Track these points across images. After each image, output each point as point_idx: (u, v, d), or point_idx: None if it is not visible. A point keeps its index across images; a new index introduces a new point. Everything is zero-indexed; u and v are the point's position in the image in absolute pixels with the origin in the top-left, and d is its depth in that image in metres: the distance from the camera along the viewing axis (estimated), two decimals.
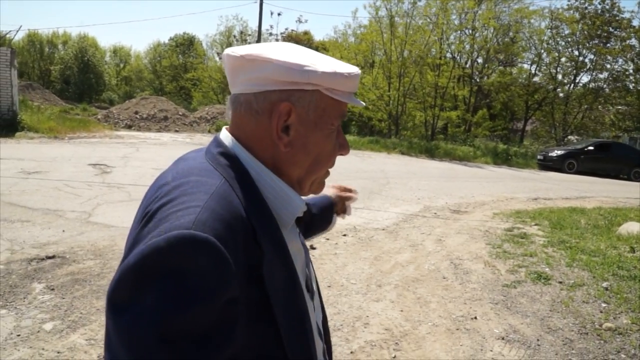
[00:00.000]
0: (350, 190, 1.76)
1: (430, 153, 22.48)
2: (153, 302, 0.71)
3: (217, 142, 0.96)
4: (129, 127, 22.54)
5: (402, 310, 4.52)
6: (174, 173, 0.90)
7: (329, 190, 1.70)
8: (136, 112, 23.87)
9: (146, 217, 0.81)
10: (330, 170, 1.05)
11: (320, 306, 1.16)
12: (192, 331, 0.72)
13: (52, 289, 4.32)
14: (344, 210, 1.75)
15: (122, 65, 62.50)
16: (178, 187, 0.84)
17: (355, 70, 0.95)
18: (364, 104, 1.05)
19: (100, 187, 8.53)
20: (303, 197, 0.99)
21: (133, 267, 0.73)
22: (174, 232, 0.73)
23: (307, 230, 1.48)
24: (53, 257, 5.07)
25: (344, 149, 1.02)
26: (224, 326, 0.75)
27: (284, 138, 0.92)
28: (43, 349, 3.35)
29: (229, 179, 0.87)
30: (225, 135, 0.96)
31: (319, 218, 1.58)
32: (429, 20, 28.28)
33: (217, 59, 44.45)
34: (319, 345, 1.03)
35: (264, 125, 0.92)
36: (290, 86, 0.89)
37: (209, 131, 23.47)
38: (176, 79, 49.44)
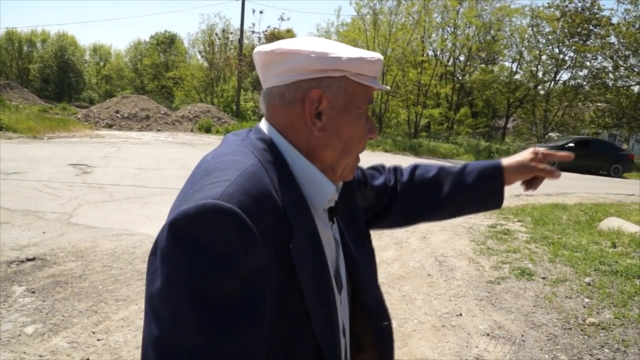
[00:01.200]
0: (553, 162, 1.50)
1: (414, 151, 22.57)
2: (180, 263, 0.77)
3: (257, 130, 1.02)
4: (109, 126, 22.33)
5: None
6: (214, 154, 0.97)
7: (524, 154, 1.45)
8: (117, 111, 23.65)
9: (184, 191, 0.88)
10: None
11: (371, 304, 1.20)
12: (220, 294, 0.77)
13: (33, 292, 4.25)
14: (532, 185, 1.48)
15: (102, 64, 61.95)
16: (215, 164, 0.91)
17: (378, 55, 1.00)
18: (388, 87, 1.12)
19: (80, 188, 8.43)
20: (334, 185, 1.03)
21: (167, 228, 0.80)
22: (202, 201, 0.79)
23: (452, 195, 1.41)
24: (33, 259, 4.99)
25: (372, 132, 1.06)
26: (253, 293, 0.80)
27: (317, 123, 0.97)
28: (25, 352, 3.29)
29: (264, 161, 0.93)
30: (263, 124, 1.03)
31: (472, 186, 1.43)
32: (411, 18, 28.38)
33: (199, 57, 44.16)
34: (342, 341, 1.05)
35: (297, 113, 0.97)
36: (320, 74, 0.95)
37: (191, 130, 23.33)
38: (157, 77, 49.15)
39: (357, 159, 1.08)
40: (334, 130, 0.98)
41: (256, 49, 1.00)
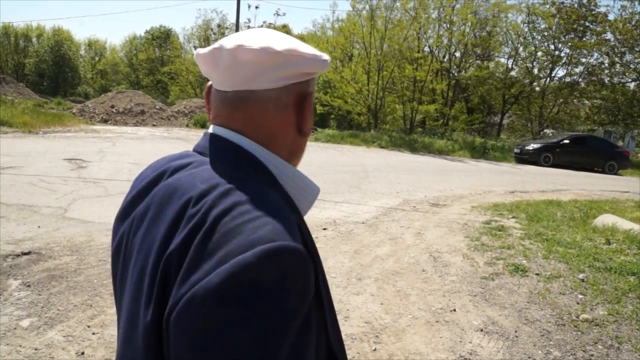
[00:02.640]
0: None
1: (409, 147, 22.59)
2: (253, 325, 0.67)
3: (225, 149, 0.89)
4: (105, 121, 22.24)
5: (382, 303, 4.53)
6: (200, 181, 0.83)
7: None
8: (112, 106, 23.58)
9: (197, 231, 0.74)
10: (306, 163, 1.05)
11: None
12: (295, 343, 0.69)
13: (29, 286, 4.25)
14: None
15: (97, 59, 61.72)
16: (224, 195, 0.78)
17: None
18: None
19: (76, 182, 8.41)
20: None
21: (217, 289, 0.67)
22: (260, 246, 0.70)
23: None
24: (29, 253, 4.99)
25: None
26: (311, 323, 0.74)
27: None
28: (20, 345, 3.30)
29: (263, 182, 0.85)
30: (233, 136, 0.90)
31: None
32: (407, 14, 28.34)
33: (194, 52, 44.06)
34: None
35: (289, 118, 0.92)
36: (306, 77, 0.92)
37: (187, 125, 23.28)
38: (153, 72, 48.99)
39: None
40: (307, 133, 0.97)
41: (242, 46, 0.87)
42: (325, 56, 0.93)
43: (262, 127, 0.90)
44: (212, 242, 0.72)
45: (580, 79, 33.24)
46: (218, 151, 0.89)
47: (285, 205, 0.81)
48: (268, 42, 0.88)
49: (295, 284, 0.70)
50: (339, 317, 4.17)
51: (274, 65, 0.87)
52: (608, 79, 32.35)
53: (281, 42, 0.89)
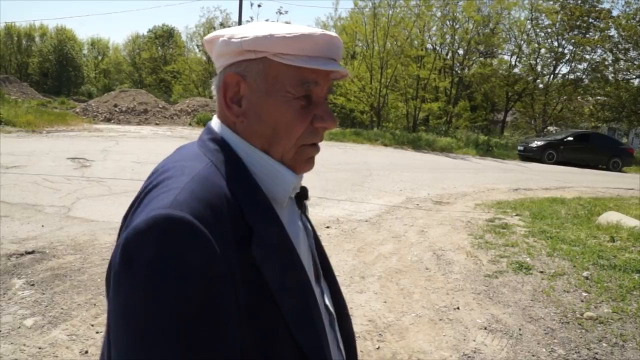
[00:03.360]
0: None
1: (412, 144, 22.55)
2: (135, 286, 0.73)
3: (208, 129, 0.97)
4: (108, 120, 22.28)
5: (385, 302, 4.53)
6: (165, 161, 0.93)
7: None
8: (115, 105, 23.61)
9: (136, 203, 0.85)
10: (319, 146, 1.01)
11: (333, 292, 1.14)
12: (181, 311, 0.72)
13: (32, 285, 4.26)
14: None
15: (100, 58, 61.78)
16: (165, 172, 0.87)
17: (302, 30, 0.90)
18: (339, 68, 0.94)
19: (79, 181, 8.43)
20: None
21: (120, 250, 0.75)
22: (152, 213, 0.75)
23: None
24: (32, 252, 4.99)
25: (323, 121, 0.96)
26: (216, 304, 0.75)
27: (234, 108, 0.93)
28: (24, 344, 3.31)
29: (217, 163, 0.88)
30: (214, 122, 0.98)
31: None
32: (411, 12, 28.31)
33: (197, 51, 44.08)
34: (329, 332, 1.02)
35: (220, 99, 0.94)
36: (237, 57, 0.90)
37: (190, 124, 23.30)
38: (156, 71, 49.03)
39: (308, 149, 0.98)
40: (256, 116, 0.92)
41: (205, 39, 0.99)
42: (245, 33, 0.89)
43: (220, 113, 0.97)
44: (136, 212, 0.81)
45: (584, 76, 33.18)
46: (201, 135, 0.98)
47: (211, 183, 0.83)
48: (215, 32, 0.95)
49: (172, 258, 0.73)
50: None
51: (209, 52, 0.96)
52: (612, 75, 32.27)
53: (220, 30, 0.94)
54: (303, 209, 1.07)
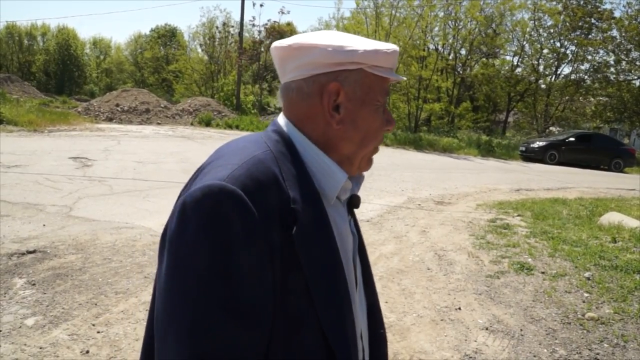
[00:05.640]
0: None
1: (414, 145, 22.54)
2: (186, 246, 0.82)
3: (273, 123, 1.05)
4: (110, 119, 22.27)
5: (387, 302, 4.52)
6: (229, 142, 1.03)
7: None
8: (117, 105, 23.60)
9: (196, 175, 0.95)
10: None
11: (371, 307, 1.17)
12: (224, 270, 0.81)
13: (34, 284, 4.26)
14: None
15: (102, 57, 61.75)
16: (226, 151, 0.97)
17: (394, 47, 1.01)
18: (404, 78, 1.12)
19: (81, 181, 8.43)
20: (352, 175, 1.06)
21: (176, 212, 0.86)
22: (208, 182, 0.85)
23: None
24: (34, 251, 5.00)
25: (390, 124, 1.06)
26: (254, 279, 0.82)
27: (336, 116, 0.99)
28: (25, 344, 3.31)
29: (275, 151, 0.95)
30: (280, 118, 1.05)
31: None
32: (413, 12, 28.28)
33: (199, 50, 44.05)
34: (359, 344, 1.04)
35: (315, 107, 0.99)
36: (336, 67, 0.96)
37: (192, 124, 23.28)
38: (158, 70, 48.97)
39: (375, 150, 1.08)
40: (352, 123, 0.99)
41: (273, 44, 1.02)
42: (353, 46, 0.96)
43: (293, 113, 1.02)
44: (195, 180, 0.91)
45: (586, 77, 33.10)
46: (268, 127, 1.05)
47: (266, 167, 0.91)
48: (293, 39, 1.00)
49: (220, 226, 0.82)
50: None
51: (288, 58, 0.99)
52: (614, 76, 32.23)
53: (301, 37, 0.99)
54: (353, 216, 1.12)
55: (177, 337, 0.80)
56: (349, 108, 0.98)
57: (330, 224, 0.96)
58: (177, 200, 0.89)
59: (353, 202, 1.09)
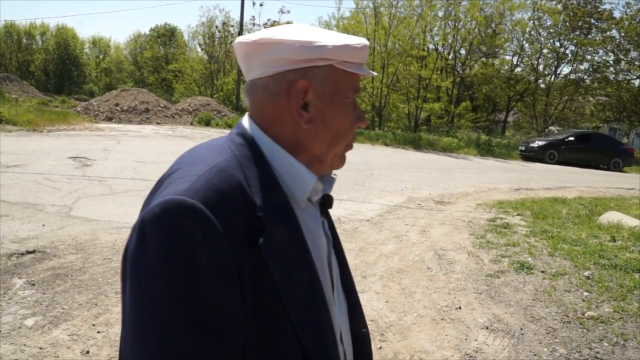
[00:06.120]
0: None
1: (414, 144, 22.53)
2: (147, 265, 0.78)
3: (238, 125, 1.00)
4: (109, 119, 22.24)
5: (387, 301, 4.52)
6: (191, 150, 0.98)
7: None
8: (117, 104, 23.58)
9: (156, 185, 0.91)
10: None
11: (352, 308, 1.15)
12: (188, 289, 0.77)
13: (33, 284, 4.25)
14: None
15: (101, 57, 61.74)
16: (187, 160, 0.92)
17: (364, 41, 0.97)
18: (375, 73, 1.06)
19: (80, 181, 8.42)
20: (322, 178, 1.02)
21: (136, 230, 0.82)
22: (167, 197, 0.81)
23: None
24: (33, 251, 4.99)
25: (361, 121, 1.03)
26: (219, 293, 0.79)
27: (304, 115, 0.94)
28: (25, 345, 3.30)
29: (239, 156, 0.91)
30: (245, 119, 1.00)
31: None
32: (412, 11, 28.29)
33: (198, 50, 44.07)
34: (340, 347, 1.02)
35: (282, 106, 0.94)
36: (305, 64, 0.92)
37: (191, 123, 23.27)
38: (157, 70, 48.98)
39: (348, 148, 1.05)
40: (322, 122, 0.96)
41: (237, 40, 0.98)
42: (322, 41, 0.92)
43: (259, 113, 0.97)
44: (155, 195, 0.87)
45: (586, 76, 33.13)
46: (232, 130, 1.01)
47: (229, 175, 0.86)
48: (258, 34, 0.95)
49: (180, 243, 0.78)
50: None
51: (254, 54, 0.94)
52: (613, 76, 32.28)
53: (267, 32, 0.94)
54: (327, 216, 1.09)
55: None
56: (318, 106, 0.95)
57: (301, 229, 0.93)
58: (138, 217, 0.85)
59: (326, 202, 1.06)
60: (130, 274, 0.81)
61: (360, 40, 0.96)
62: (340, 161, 1.05)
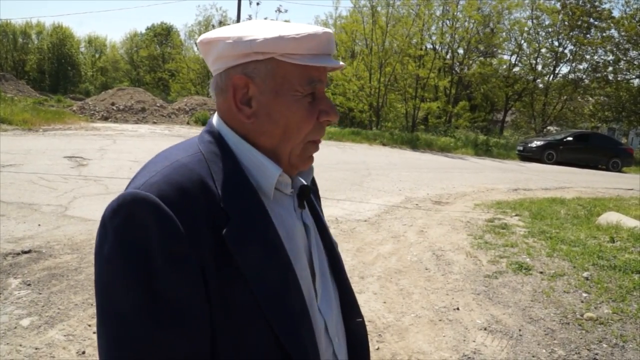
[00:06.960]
0: None
1: (412, 144, 22.52)
2: (107, 256, 0.81)
3: (208, 123, 1.02)
4: (105, 118, 22.18)
5: (385, 302, 4.50)
6: (163, 150, 0.99)
7: None
8: (113, 104, 23.53)
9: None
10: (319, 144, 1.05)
11: (343, 296, 1.14)
12: (145, 280, 0.79)
13: (29, 285, 4.22)
14: None
15: (97, 56, 61.65)
16: (154, 159, 0.94)
17: (308, 30, 0.92)
18: (341, 64, 0.98)
19: (76, 180, 8.39)
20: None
21: (99, 226, 0.84)
22: (124, 192, 0.84)
23: None
24: (29, 251, 4.96)
25: (327, 115, 0.99)
26: (176, 280, 0.80)
27: (246, 110, 0.95)
28: (21, 345, 3.27)
29: (206, 152, 0.93)
30: (214, 117, 1.02)
31: None
32: (410, 10, 28.30)
33: (195, 49, 44.00)
34: (324, 336, 1.01)
35: (229, 101, 0.95)
36: (244, 59, 0.92)
37: (188, 123, 23.24)
38: (154, 69, 48.94)
39: (312, 146, 1.02)
40: (267, 116, 0.95)
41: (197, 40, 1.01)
42: (252, 35, 0.90)
43: (219, 110, 1.01)
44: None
45: (584, 76, 33.16)
46: (204, 127, 1.03)
47: (189, 170, 0.88)
48: (204, 34, 0.98)
49: (135, 234, 0.80)
50: None
51: (204, 53, 0.98)
52: (612, 75, 32.29)
53: (211, 32, 0.98)
54: (302, 206, 1.07)
55: (106, 352, 0.80)
56: (262, 101, 0.94)
57: (271, 220, 0.93)
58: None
59: (304, 192, 1.05)
60: (94, 265, 0.83)
61: (301, 30, 0.91)
62: (302, 160, 1.01)
